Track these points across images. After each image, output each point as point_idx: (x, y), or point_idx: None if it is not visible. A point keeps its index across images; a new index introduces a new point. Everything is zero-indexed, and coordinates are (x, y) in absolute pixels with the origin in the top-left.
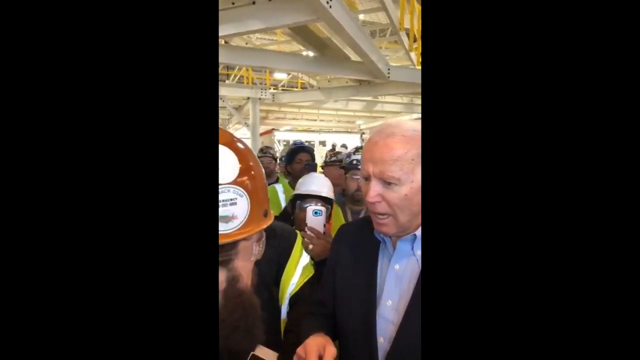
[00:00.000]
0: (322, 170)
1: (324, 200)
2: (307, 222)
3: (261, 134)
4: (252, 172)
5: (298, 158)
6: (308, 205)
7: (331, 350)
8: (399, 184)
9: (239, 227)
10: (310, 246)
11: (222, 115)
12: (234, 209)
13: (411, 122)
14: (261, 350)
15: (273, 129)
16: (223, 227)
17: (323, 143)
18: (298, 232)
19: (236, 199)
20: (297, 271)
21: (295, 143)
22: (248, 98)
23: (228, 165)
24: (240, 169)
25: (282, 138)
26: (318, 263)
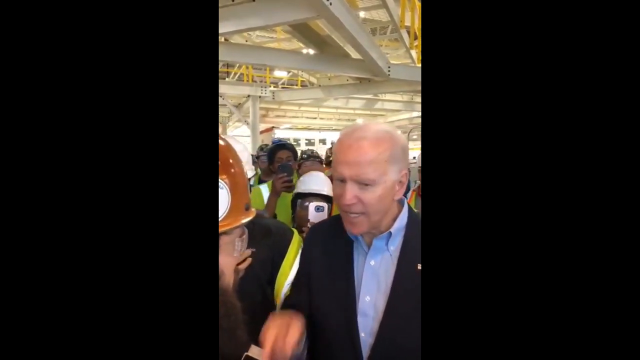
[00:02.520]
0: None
1: (325, 199)
2: (309, 217)
3: (261, 132)
4: (232, 166)
5: (278, 157)
6: (309, 202)
7: (297, 326)
8: (374, 184)
9: (220, 219)
10: None
11: (222, 113)
12: None
13: (380, 124)
14: (254, 350)
15: (273, 127)
16: None
17: (323, 141)
18: (294, 230)
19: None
20: (293, 270)
21: (274, 141)
22: (248, 96)
23: None
24: (221, 162)
25: (283, 136)
26: None
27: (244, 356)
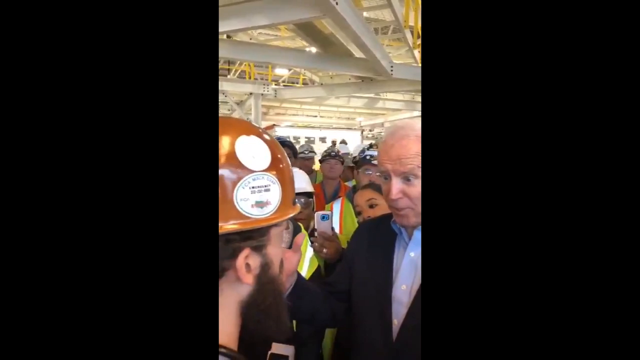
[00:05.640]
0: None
1: (306, 195)
2: (316, 226)
3: None
4: (282, 162)
5: None
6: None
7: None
8: (418, 177)
9: (272, 212)
10: (325, 250)
11: (224, 110)
12: (268, 195)
13: (420, 122)
14: (278, 347)
15: (274, 125)
16: (259, 212)
17: (323, 139)
18: (301, 225)
19: (269, 185)
20: (305, 264)
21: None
22: (250, 93)
23: (261, 154)
24: (272, 158)
25: (283, 134)
26: (332, 266)
27: (269, 354)
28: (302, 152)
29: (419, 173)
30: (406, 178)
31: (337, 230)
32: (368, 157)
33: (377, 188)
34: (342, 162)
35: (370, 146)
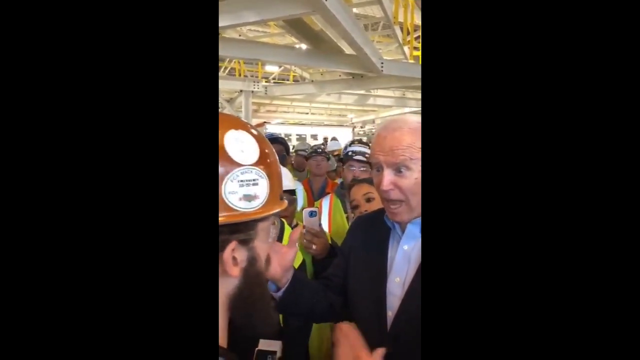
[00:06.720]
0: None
1: (289, 193)
2: (304, 223)
3: None
4: (270, 157)
5: None
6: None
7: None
8: (410, 169)
9: (260, 206)
10: (313, 246)
11: None
12: (256, 189)
13: (414, 116)
14: (265, 343)
15: (265, 122)
16: (246, 206)
17: (315, 136)
18: (284, 220)
19: (257, 179)
20: None
21: (265, 135)
22: (240, 91)
23: (249, 148)
24: (260, 153)
25: (274, 131)
26: (320, 262)
27: (256, 351)
28: (302, 150)
29: (411, 165)
30: (398, 169)
31: (326, 227)
32: (350, 153)
33: (373, 182)
34: (328, 159)
35: (352, 142)
